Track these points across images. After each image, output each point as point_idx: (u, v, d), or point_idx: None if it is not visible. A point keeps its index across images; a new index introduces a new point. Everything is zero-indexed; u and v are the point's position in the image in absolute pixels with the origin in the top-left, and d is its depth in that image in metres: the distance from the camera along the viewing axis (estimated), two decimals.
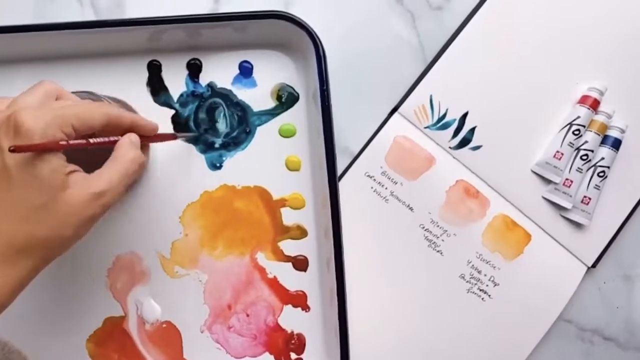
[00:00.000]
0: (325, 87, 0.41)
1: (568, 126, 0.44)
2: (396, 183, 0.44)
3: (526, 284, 0.45)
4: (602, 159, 0.45)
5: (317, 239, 0.43)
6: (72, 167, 0.30)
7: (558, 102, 0.45)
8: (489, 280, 0.45)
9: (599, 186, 0.45)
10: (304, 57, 0.44)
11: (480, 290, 0.45)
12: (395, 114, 0.45)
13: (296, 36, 0.42)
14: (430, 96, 0.45)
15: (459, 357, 0.44)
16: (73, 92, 0.37)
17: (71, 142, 0.29)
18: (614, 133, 0.45)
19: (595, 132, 0.44)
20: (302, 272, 0.43)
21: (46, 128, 0.28)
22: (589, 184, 0.45)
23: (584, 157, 0.44)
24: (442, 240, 0.44)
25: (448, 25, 0.46)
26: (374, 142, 0.44)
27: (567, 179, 0.44)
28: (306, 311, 0.43)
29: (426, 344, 0.44)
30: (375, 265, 0.44)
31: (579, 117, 0.44)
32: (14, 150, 0.26)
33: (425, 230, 0.44)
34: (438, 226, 0.44)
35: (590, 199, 0.45)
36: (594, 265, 0.46)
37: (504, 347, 0.45)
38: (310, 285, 0.43)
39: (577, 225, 0.45)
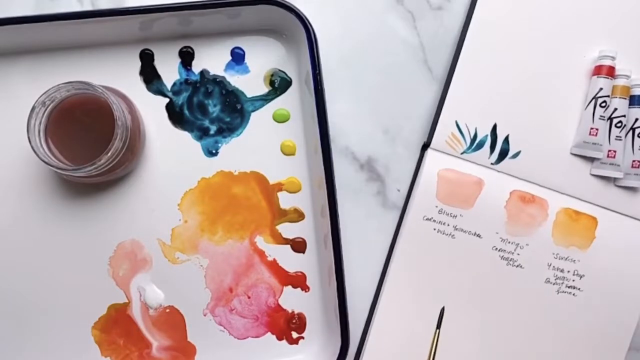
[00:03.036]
0: (317, 71, 0.41)
1: (593, 100, 0.44)
2: (456, 217, 0.44)
3: (610, 265, 0.45)
4: (637, 119, 0.45)
5: (314, 221, 0.44)
6: None
7: (574, 80, 0.46)
8: (574, 275, 0.45)
9: None
10: (295, 42, 0.44)
11: (569, 287, 0.45)
12: (429, 150, 0.44)
13: (287, 21, 0.42)
14: (456, 122, 0.45)
15: (567, 355, 0.45)
16: (68, 83, 0.38)
17: None
18: (638, 91, 0.45)
19: (620, 97, 0.44)
20: (301, 254, 0.44)
21: None
22: (632, 148, 0.45)
23: (619, 125, 0.44)
24: (518, 254, 0.44)
25: (448, 25, 0.46)
26: (420, 185, 0.44)
27: (609, 151, 0.45)
28: (306, 291, 0.44)
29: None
30: (462, 302, 0.44)
31: (601, 88, 0.44)
32: None
33: (498, 250, 0.44)
34: (509, 242, 0.44)
35: (639, 161, 0.45)
36: None
37: (608, 332, 0.45)
38: (309, 266, 0.44)
39: (636, 190, 0.45)
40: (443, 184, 0.44)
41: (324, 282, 0.44)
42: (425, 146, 0.45)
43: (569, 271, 0.45)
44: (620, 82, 0.45)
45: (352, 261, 0.44)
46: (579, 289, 0.45)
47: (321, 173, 0.42)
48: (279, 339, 0.44)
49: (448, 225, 0.44)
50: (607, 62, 0.45)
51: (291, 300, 0.44)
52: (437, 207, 0.44)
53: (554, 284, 0.45)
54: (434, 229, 0.44)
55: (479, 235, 0.44)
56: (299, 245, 0.44)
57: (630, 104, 0.45)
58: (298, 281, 0.44)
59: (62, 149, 0.40)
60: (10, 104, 0.43)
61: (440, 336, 0.44)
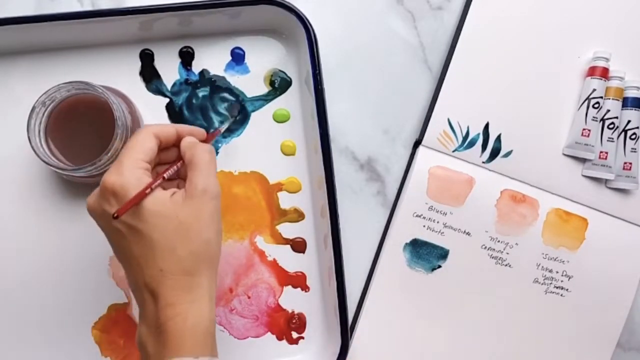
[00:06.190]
0: (317, 71, 0.41)
1: (586, 101, 0.45)
2: (445, 214, 0.44)
3: (598, 267, 0.45)
4: (629, 121, 0.45)
5: (314, 221, 0.44)
6: (171, 189, 0.33)
7: (568, 81, 0.46)
8: (562, 275, 0.45)
9: (635, 148, 0.45)
10: (295, 42, 0.44)
11: (557, 287, 0.45)
12: (420, 147, 0.44)
13: (287, 21, 0.42)
14: (448, 119, 0.45)
15: (553, 356, 0.45)
16: (68, 83, 0.38)
17: (153, 185, 0.32)
18: (632, 93, 0.45)
19: (613, 99, 0.45)
20: (301, 254, 0.44)
21: (131, 176, 0.31)
22: (624, 150, 0.45)
23: (611, 126, 0.45)
24: (507, 254, 0.45)
25: (448, 25, 0.46)
26: (411, 181, 0.44)
27: (601, 152, 0.45)
28: (306, 291, 0.44)
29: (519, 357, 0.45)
30: (450, 300, 0.44)
31: (594, 90, 0.44)
32: (116, 216, 0.30)
33: (487, 249, 0.44)
34: (498, 241, 0.45)
35: (631, 163, 0.45)
36: None
37: (594, 334, 0.45)
38: (309, 266, 0.44)
39: (627, 192, 0.46)
40: (434, 181, 0.44)
41: (324, 282, 0.44)
42: (417, 143, 0.45)
43: (557, 272, 0.45)
44: (614, 83, 0.45)
45: (352, 261, 0.44)
46: (567, 289, 0.45)
47: (321, 173, 0.42)
48: (279, 339, 0.44)
49: (438, 222, 0.44)
50: (601, 64, 0.45)
51: (291, 300, 0.44)
52: (427, 204, 0.44)
53: (542, 284, 0.45)
54: (424, 226, 0.44)
55: (468, 234, 0.44)
56: (299, 245, 0.44)
57: (623, 106, 0.45)
58: (298, 281, 0.44)
59: (62, 149, 0.40)
60: (10, 104, 0.43)
61: (426, 334, 0.44)
